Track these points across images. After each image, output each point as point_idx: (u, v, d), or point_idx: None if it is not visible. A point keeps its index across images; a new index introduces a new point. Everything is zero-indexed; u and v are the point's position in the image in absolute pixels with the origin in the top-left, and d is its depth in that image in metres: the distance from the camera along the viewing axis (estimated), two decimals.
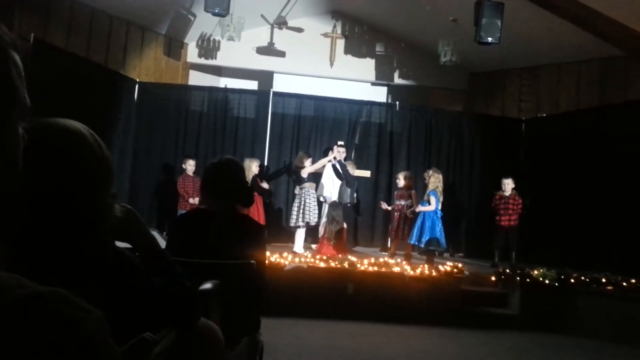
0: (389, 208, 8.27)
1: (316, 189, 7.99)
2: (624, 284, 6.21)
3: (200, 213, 2.68)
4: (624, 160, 7.53)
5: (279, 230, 8.81)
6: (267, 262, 2.66)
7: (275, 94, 9.33)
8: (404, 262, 6.73)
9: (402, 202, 7.97)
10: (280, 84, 10.08)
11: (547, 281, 6.43)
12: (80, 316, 0.55)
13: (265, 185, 8.20)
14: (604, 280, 6.31)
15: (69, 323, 0.54)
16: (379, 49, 10.68)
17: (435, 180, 7.52)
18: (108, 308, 0.69)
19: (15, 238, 0.94)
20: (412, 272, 6.36)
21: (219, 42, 10.04)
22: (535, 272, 6.56)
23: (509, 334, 6.07)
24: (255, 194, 7.90)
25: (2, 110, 0.62)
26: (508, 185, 8.12)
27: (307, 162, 7.94)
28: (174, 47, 9.95)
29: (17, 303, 0.53)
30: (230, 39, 9.15)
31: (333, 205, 7.57)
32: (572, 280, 6.40)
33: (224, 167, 2.62)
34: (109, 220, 1.23)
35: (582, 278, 6.39)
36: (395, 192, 8.23)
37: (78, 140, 1.16)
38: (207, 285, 1.81)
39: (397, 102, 9.88)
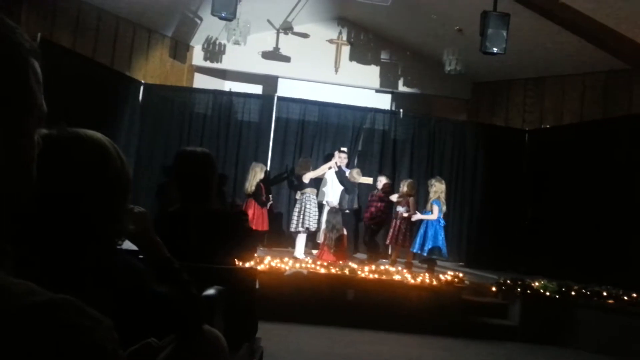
0: (394, 199, 8.28)
1: (317, 195, 8.00)
2: (625, 297, 6.19)
3: (174, 216, 2.44)
4: (627, 173, 7.52)
5: (280, 235, 8.82)
6: (255, 254, 2.51)
7: (279, 98, 9.35)
8: (404, 270, 6.72)
9: (400, 209, 7.98)
10: (285, 89, 10.10)
11: (547, 293, 6.41)
12: (90, 325, 0.55)
13: (270, 198, 8.22)
14: (605, 293, 6.29)
15: (79, 332, 0.54)
16: (384, 56, 10.70)
17: (437, 189, 7.52)
18: (115, 314, 0.69)
19: (28, 242, 0.94)
20: (412, 281, 6.35)
21: (224, 45, 10.06)
22: (536, 283, 6.54)
23: (509, 345, 6.05)
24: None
25: (19, 117, 0.62)
26: (380, 182, 8.19)
27: (309, 168, 7.97)
28: (180, 49, 9.98)
29: (27, 311, 0.53)
30: (236, 43, 9.17)
31: (332, 212, 7.56)
32: (573, 293, 6.38)
33: (202, 162, 2.44)
34: (122, 233, 1.24)
35: (583, 291, 6.37)
36: (396, 199, 8.23)
37: (102, 152, 1.18)
38: (211, 292, 1.80)
39: (401, 110, 9.88)
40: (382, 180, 8.17)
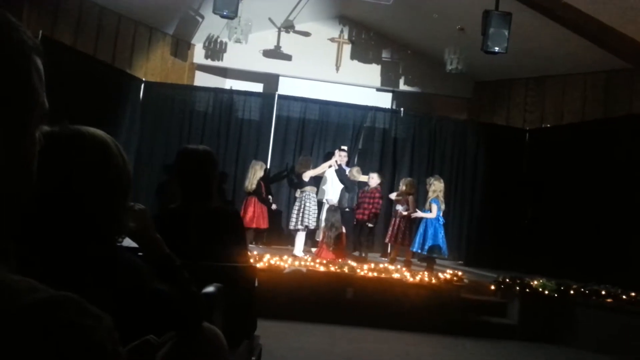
0: (394, 198, 8.28)
1: (317, 193, 8.00)
2: (624, 296, 6.20)
3: (175, 213, 2.45)
4: (628, 173, 7.52)
5: (280, 233, 8.82)
6: (248, 252, 2.54)
7: (280, 97, 9.35)
8: (404, 269, 6.72)
9: (400, 207, 7.98)
10: (286, 87, 10.09)
11: (546, 292, 6.42)
12: (91, 324, 0.55)
13: (270, 198, 8.23)
14: (603, 292, 6.30)
15: (79, 331, 0.54)
16: (385, 55, 10.69)
17: (436, 188, 7.52)
18: (115, 311, 0.69)
19: (28, 241, 0.95)
20: (411, 279, 6.36)
21: (225, 43, 10.06)
22: (535, 282, 6.55)
23: (507, 343, 6.06)
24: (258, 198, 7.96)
25: (21, 114, 0.62)
26: (372, 180, 8.09)
27: (310, 166, 7.98)
28: (181, 47, 9.97)
29: (28, 309, 0.53)
30: (238, 41, 9.16)
31: (331, 210, 7.56)
32: (572, 292, 6.39)
33: (204, 159, 2.45)
34: (122, 230, 1.25)
35: (582, 290, 6.38)
36: (395, 198, 8.24)
37: (103, 149, 1.18)
38: (210, 289, 1.81)
39: (402, 109, 9.88)
40: (374, 177, 8.14)
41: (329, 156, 8.51)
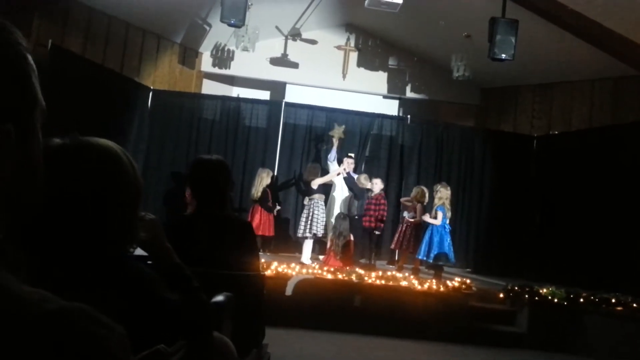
0: (403, 200, 8.26)
1: (325, 201, 7.99)
2: (634, 304, 6.14)
3: (187, 220, 2.53)
4: (636, 180, 7.47)
5: (287, 240, 8.81)
6: (260, 261, 2.57)
7: (287, 104, 9.37)
8: (411, 277, 6.70)
9: (407, 215, 7.96)
10: (293, 95, 10.12)
11: (555, 300, 6.37)
12: (103, 334, 0.55)
13: (273, 203, 8.21)
14: (613, 300, 6.24)
15: (92, 341, 0.54)
16: (391, 62, 10.70)
17: (442, 195, 7.50)
18: (125, 321, 0.69)
19: (39, 250, 0.95)
20: (419, 287, 6.33)
21: (233, 52, 10.10)
22: (544, 290, 6.50)
23: (516, 352, 6.01)
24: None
25: (27, 115, 0.63)
26: (375, 185, 8.06)
27: (318, 174, 7.98)
28: (189, 56, 10.02)
29: (41, 319, 0.53)
30: (245, 49, 9.19)
31: (340, 218, 7.55)
32: (581, 300, 6.34)
33: (217, 169, 2.51)
34: (134, 240, 1.25)
35: (592, 298, 6.33)
36: (403, 201, 8.24)
37: (113, 161, 1.19)
38: (219, 298, 1.81)
39: (409, 116, 9.89)
40: (377, 183, 8.13)
41: (339, 163, 8.49)
